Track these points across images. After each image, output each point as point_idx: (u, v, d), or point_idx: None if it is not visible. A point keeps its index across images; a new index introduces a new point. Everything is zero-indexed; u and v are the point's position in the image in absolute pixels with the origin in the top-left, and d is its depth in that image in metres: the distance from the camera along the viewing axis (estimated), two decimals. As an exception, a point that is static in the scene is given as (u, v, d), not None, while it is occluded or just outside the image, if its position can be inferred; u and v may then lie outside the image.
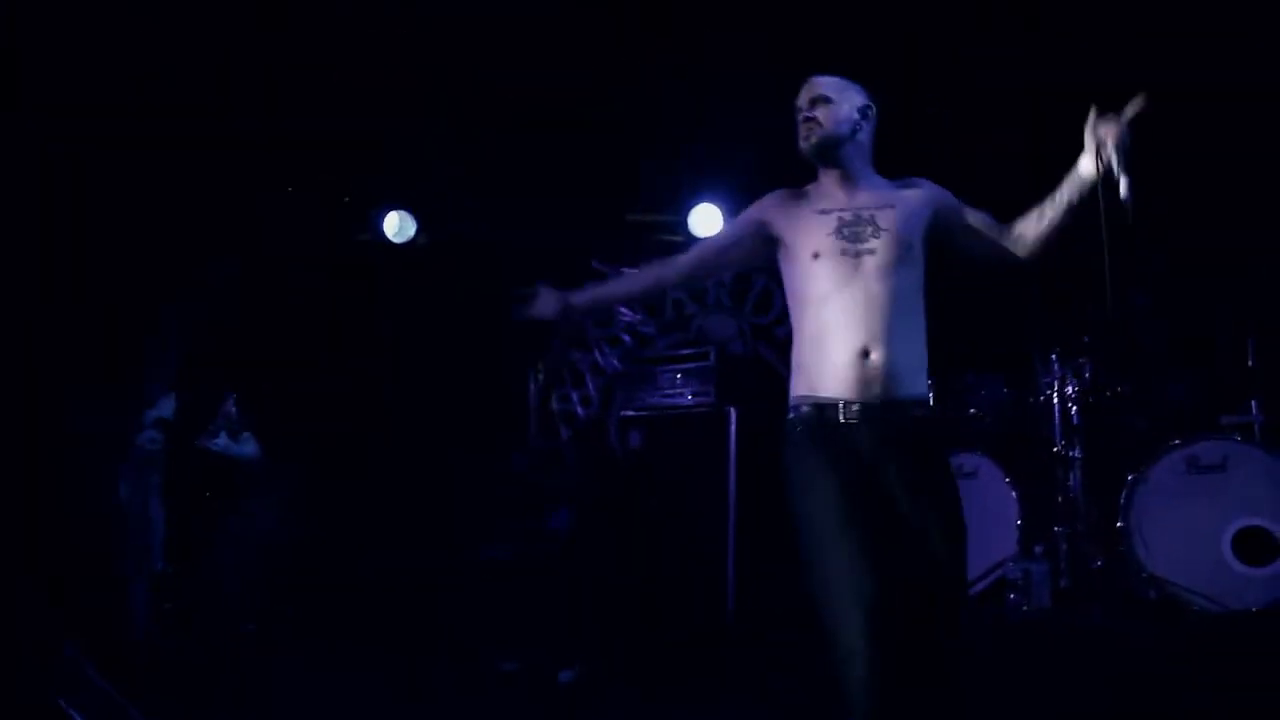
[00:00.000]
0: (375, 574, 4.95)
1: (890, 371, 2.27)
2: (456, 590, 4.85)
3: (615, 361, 5.98)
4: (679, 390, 4.81)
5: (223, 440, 4.49)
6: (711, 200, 5.44)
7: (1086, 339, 4.10)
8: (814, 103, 2.44)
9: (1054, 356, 4.14)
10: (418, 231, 5.60)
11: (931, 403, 2.41)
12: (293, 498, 4.60)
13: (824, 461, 2.28)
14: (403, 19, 4.17)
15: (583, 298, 2.70)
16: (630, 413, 4.90)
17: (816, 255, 2.39)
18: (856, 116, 2.44)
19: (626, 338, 6.00)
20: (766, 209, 2.52)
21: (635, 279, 2.78)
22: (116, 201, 4.42)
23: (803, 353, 2.38)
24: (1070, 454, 4.09)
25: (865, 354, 2.29)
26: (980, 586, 4.05)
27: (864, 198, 2.43)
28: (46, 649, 2.74)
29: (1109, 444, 4.08)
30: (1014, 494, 4.09)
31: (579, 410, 6.05)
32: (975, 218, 2.43)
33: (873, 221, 2.38)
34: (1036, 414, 4.23)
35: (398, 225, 5.54)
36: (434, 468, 5.54)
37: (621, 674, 4.25)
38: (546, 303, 2.67)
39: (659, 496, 4.74)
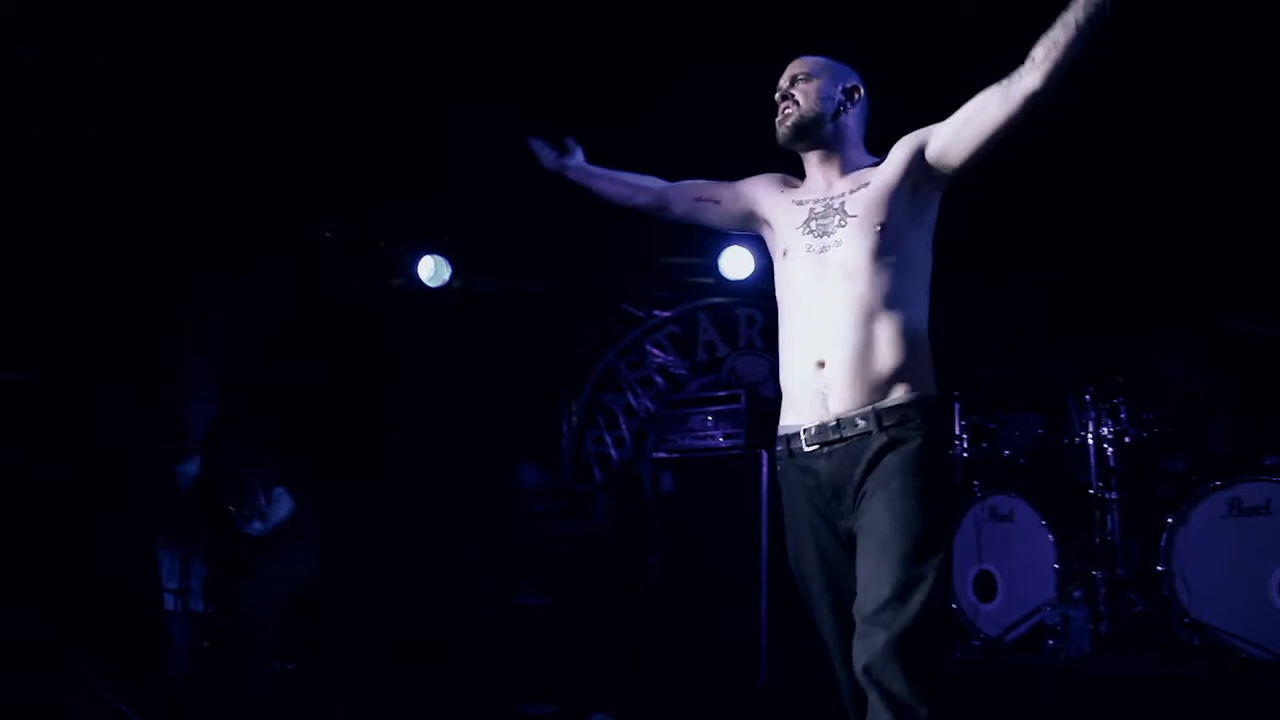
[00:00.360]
0: (406, 616, 4.97)
1: (848, 382, 2.02)
2: (489, 633, 4.86)
3: (648, 403, 6.00)
4: (710, 432, 4.80)
5: (258, 525, 4.57)
6: (741, 242, 5.47)
7: (1120, 378, 4.05)
8: (794, 81, 2.24)
9: (1087, 396, 4.08)
10: (452, 275, 5.69)
11: (924, 411, 2.03)
12: (324, 540, 4.65)
13: (792, 505, 2.13)
14: (433, 60, 4.26)
15: (579, 171, 2.58)
16: (662, 455, 4.90)
17: (785, 253, 2.20)
18: (840, 96, 2.22)
19: (659, 379, 6.02)
20: (758, 184, 2.35)
21: (615, 181, 2.55)
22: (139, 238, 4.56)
23: (781, 374, 2.18)
24: (1107, 496, 4.01)
25: (821, 366, 2.05)
26: (1018, 632, 3.96)
27: (842, 184, 2.19)
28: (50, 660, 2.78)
29: (1147, 486, 4.00)
30: (1050, 537, 4.02)
31: (612, 452, 6.06)
32: (960, 115, 2.07)
33: (841, 209, 2.13)
34: (1072, 455, 4.16)
35: (432, 269, 5.64)
36: (468, 511, 5.57)
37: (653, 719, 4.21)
38: (560, 155, 2.60)
39: (691, 539, 4.71)
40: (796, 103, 2.21)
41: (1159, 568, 3.72)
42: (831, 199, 2.18)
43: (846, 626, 2.00)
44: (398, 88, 4.29)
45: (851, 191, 2.16)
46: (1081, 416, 4.12)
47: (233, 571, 4.73)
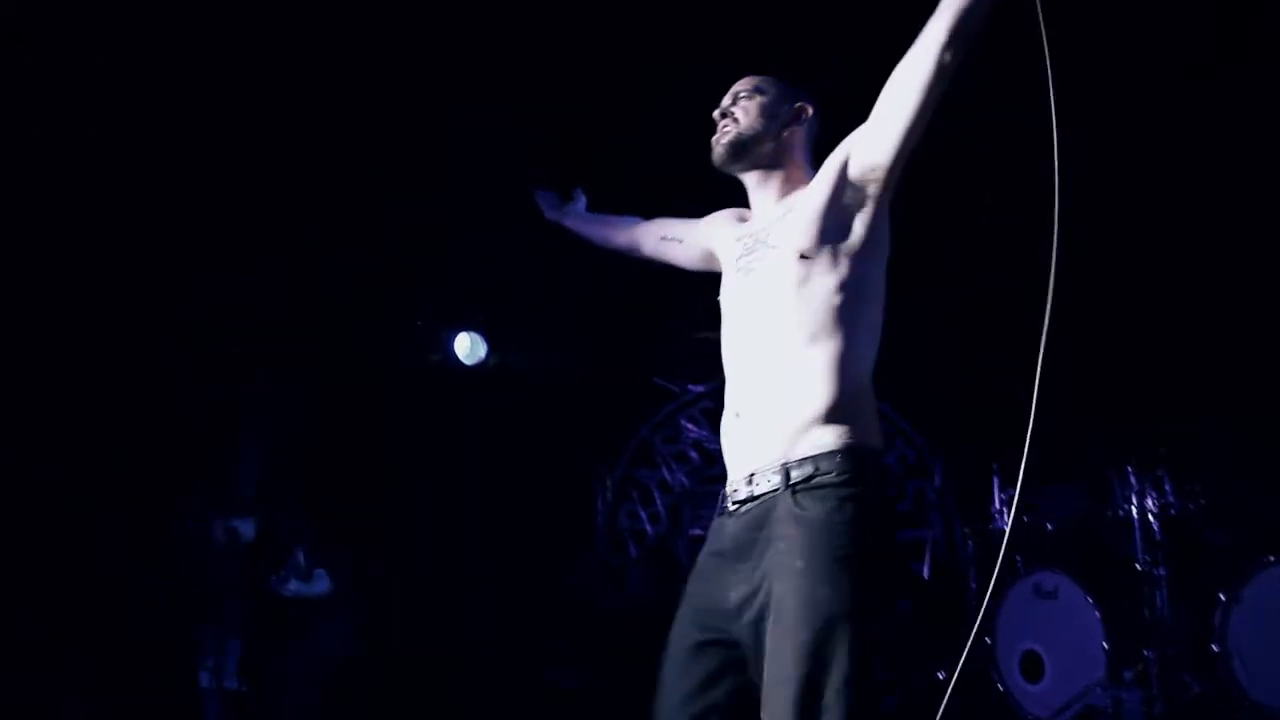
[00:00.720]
0: (439, 696, 4.91)
1: (761, 433, 1.78)
2: (521, 715, 4.77)
3: (683, 478, 5.95)
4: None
5: (294, 585, 4.60)
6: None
7: (1163, 450, 3.95)
8: (735, 98, 2.04)
9: (1129, 468, 3.99)
10: (488, 353, 5.75)
11: (845, 462, 1.72)
12: (360, 620, 4.65)
13: (694, 569, 1.86)
14: (473, 137, 4.34)
15: (575, 218, 2.58)
16: (699, 531, 4.86)
17: (720, 295, 2.01)
18: (786, 113, 2.01)
19: (694, 454, 5.99)
20: (714, 222, 2.21)
21: (599, 225, 2.51)
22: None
23: None
24: (1155, 572, 3.88)
25: (738, 417, 1.83)
26: (1067, 714, 3.81)
27: (775, 212, 1.98)
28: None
29: (1195, 560, 3.87)
30: (1097, 614, 3.88)
31: (648, 528, 6.00)
32: (879, 103, 1.83)
33: (765, 241, 1.93)
34: (1116, 529, 4.05)
35: (469, 347, 5.70)
36: (502, 588, 5.53)
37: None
38: (563, 205, 2.60)
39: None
40: (736, 120, 2.01)
41: (1214, 647, 3.58)
42: (759, 231, 1.98)
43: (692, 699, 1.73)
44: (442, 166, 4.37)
45: (780, 218, 1.94)
46: (1124, 489, 4.02)
47: (268, 647, 4.73)
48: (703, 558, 1.87)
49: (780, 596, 1.64)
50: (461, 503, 5.84)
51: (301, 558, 4.63)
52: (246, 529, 4.75)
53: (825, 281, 1.80)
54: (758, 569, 1.71)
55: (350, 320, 5.23)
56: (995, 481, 4.41)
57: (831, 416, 1.73)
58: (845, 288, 1.80)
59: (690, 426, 6.04)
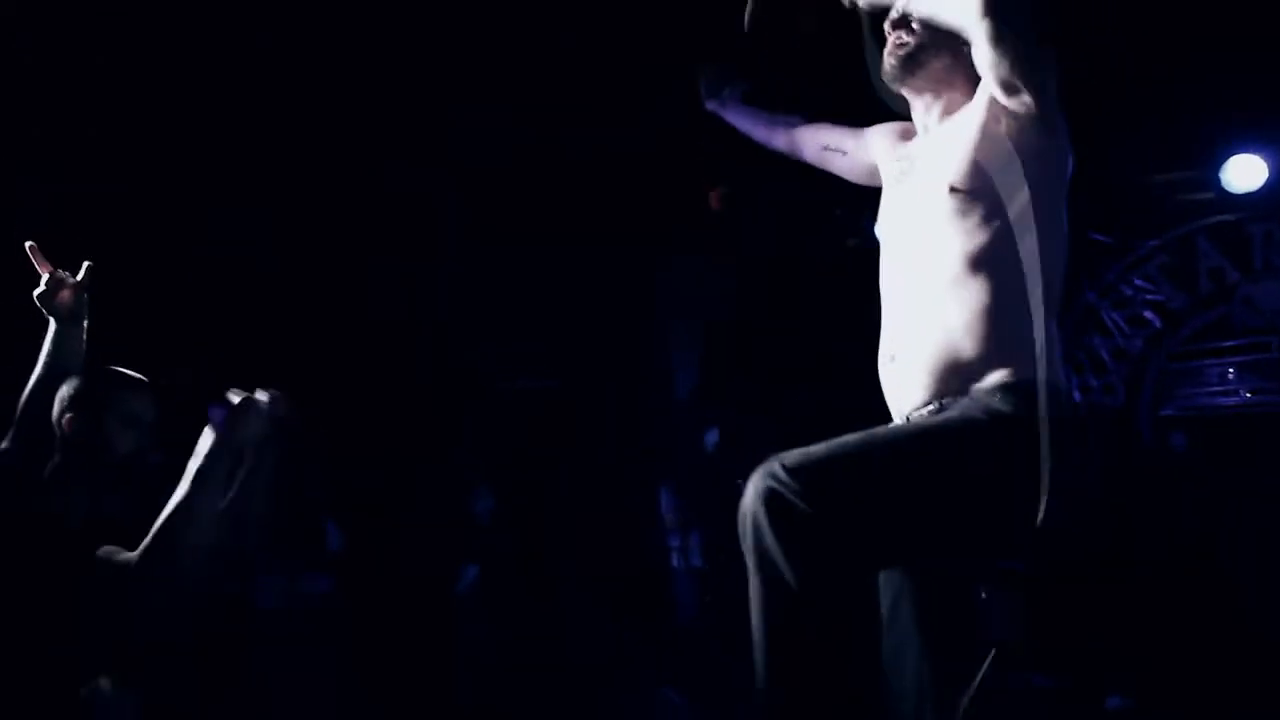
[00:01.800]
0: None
1: (915, 377, 1.70)
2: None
3: (1139, 343, 5.37)
4: (1232, 386, 4.22)
5: None
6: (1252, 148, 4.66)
7: None
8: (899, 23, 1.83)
9: None
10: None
11: (1002, 396, 1.60)
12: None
13: None
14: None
15: (735, 111, 2.38)
16: (1171, 411, 4.40)
17: (876, 220, 1.92)
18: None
19: (1152, 317, 5.34)
20: (878, 135, 2.05)
21: (759, 122, 2.34)
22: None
23: None
24: None
25: (892, 360, 1.76)
26: None
27: (935, 135, 1.85)
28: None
29: None
30: None
31: (1105, 400, 5.53)
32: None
33: (921, 166, 1.83)
34: None
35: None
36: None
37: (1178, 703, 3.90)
38: (719, 89, 2.41)
39: (1206, 510, 4.22)
40: (913, 30, 1.81)
41: None
42: (918, 153, 1.87)
43: None
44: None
45: (937, 145, 1.81)
46: None
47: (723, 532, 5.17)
48: None
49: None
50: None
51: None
52: (711, 437, 5.12)
53: (980, 214, 1.67)
54: None
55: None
56: None
57: (989, 356, 1.63)
58: (1004, 221, 1.66)
59: (1145, 285, 5.37)
